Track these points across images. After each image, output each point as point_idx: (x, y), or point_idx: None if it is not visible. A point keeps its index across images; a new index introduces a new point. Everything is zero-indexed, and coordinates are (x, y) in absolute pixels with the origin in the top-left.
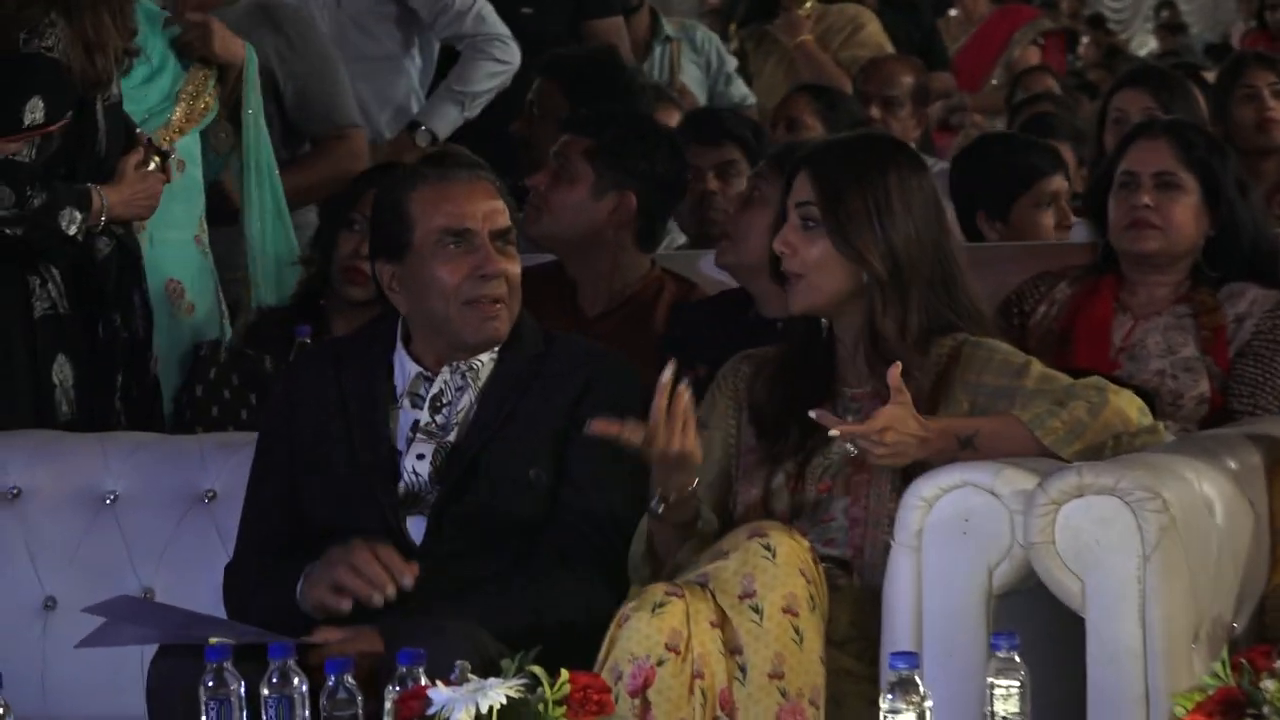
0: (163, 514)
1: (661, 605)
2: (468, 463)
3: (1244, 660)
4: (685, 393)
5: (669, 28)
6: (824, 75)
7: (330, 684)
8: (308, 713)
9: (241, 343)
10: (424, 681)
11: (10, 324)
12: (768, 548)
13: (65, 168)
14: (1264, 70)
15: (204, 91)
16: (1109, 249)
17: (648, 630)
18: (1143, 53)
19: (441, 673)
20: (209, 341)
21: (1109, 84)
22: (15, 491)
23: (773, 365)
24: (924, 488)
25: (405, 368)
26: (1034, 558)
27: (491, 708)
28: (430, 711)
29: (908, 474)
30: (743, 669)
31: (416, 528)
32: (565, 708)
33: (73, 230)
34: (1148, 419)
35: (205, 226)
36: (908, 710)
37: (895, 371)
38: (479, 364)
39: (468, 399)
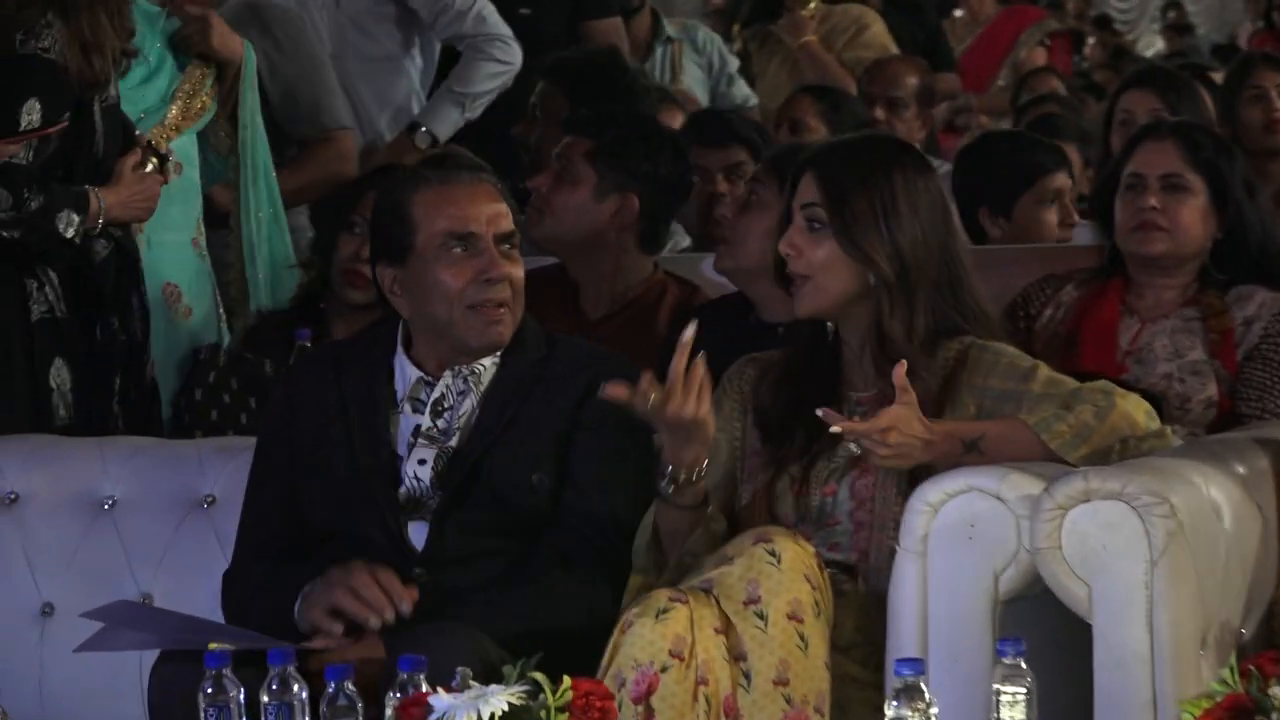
0: (161, 519)
1: (665, 611)
2: (469, 467)
3: (1252, 667)
4: (702, 361)
5: (670, 28)
6: (828, 76)
7: (330, 690)
8: (308, 719)
9: (241, 346)
10: (425, 688)
11: (7, 327)
12: (772, 553)
13: (63, 170)
14: (1272, 71)
15: (201, 90)
16: (1115, 251)
17: (651, 636)
18: (1149, 53)
19: (443, 679)
20: (208, 345)
21: (1115, 85)
22: (13, 496)
23: (778, 368)
24: (929, 492)
25: (406, 372)
26: (1040, 563)
27: (493, 714)
28: (431, 718)
29: (913, 478)
30: (747, 676)
31: (418, 533)
32: (567, 714)
33: (70, 233)
34: (1155, 423)
35: (203, 229)
36: (913, 717)
37: (900, 370)
38: (481, 368)
39: (469, 403)
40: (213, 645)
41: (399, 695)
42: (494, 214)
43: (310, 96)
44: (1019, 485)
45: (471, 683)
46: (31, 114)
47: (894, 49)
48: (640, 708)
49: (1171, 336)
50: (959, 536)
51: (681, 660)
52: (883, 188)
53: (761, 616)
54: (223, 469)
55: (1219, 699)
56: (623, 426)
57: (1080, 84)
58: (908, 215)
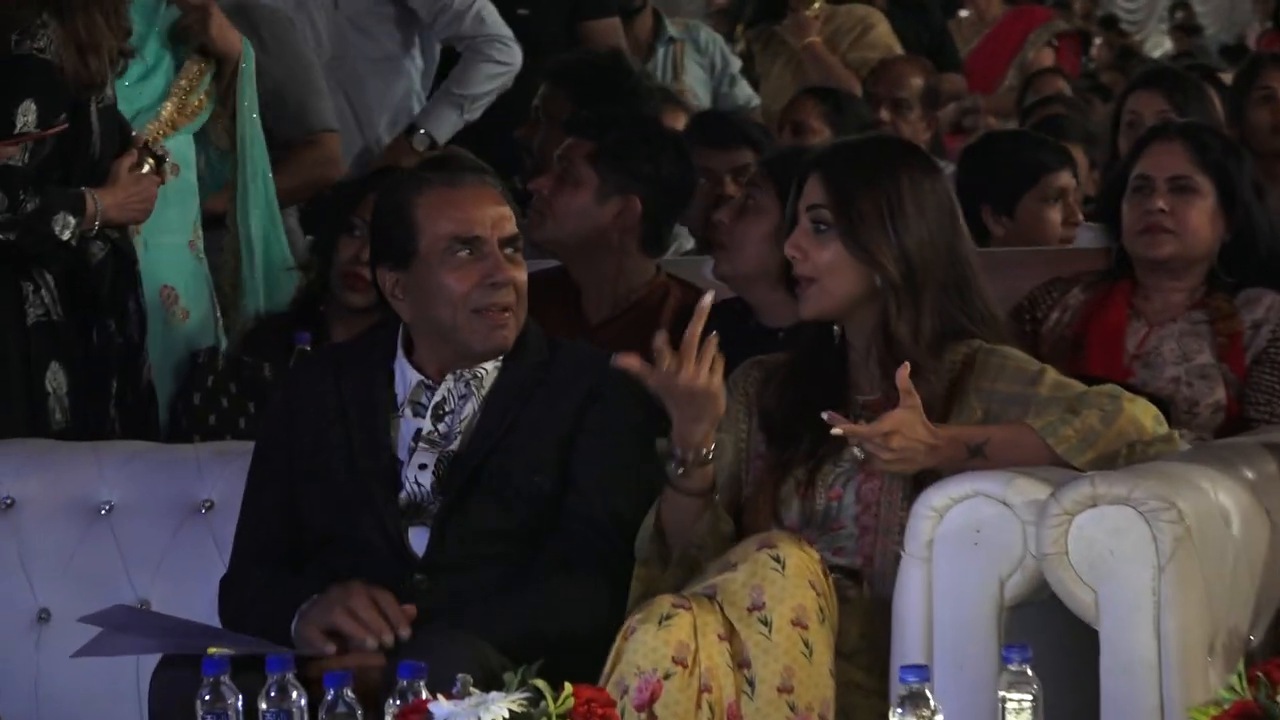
0: (158, 524)
1: (669, 618)
2: (471, 472)
3: (1260, 673)
4: (714, 337)
5: (672, 29)
6: (832, 77)
7: (329, 697)
8: None
9: (240, 350)
10: (425, 695)
11: (3, 331)
12: (777, 559)
13: (59, 171)
14: None
15: (198, 88)
16: (1123, 254)
17: (654, 643)
18: (1157, 54)
19: (443, 686)
20: (206, 349)
21: (1122, 86)
22: (9, 501)
23: (783, 371)
24: (934, 497)
25: (406, 376)
26: (1046, 569)
27: None
28: None
29: (919, 482)
30: (751, 683)
31: (419, 539)
32: None
33: (66, 235)
34: (1163, 427)
35: (200, 232)
36: None
37: (904, 372)
38: (483, 372)
39: (471, 407)
40: (211, 650)
41: (399, 702)
42: (498, 217)
43: (297, 97)
44: (1025, 490)
45: (472, 690)
46: (27, 115)
47: (899, 50)
48: (643, 715)
49: (1179, 340)
50: (964, 542)
51: (685, 667)
52: (889, 189)
53: (766, 623)
54: (221, 474)
55: (1227, 706)
56: (625, 430)
57: (1087, 85)
58: (914, 217)
